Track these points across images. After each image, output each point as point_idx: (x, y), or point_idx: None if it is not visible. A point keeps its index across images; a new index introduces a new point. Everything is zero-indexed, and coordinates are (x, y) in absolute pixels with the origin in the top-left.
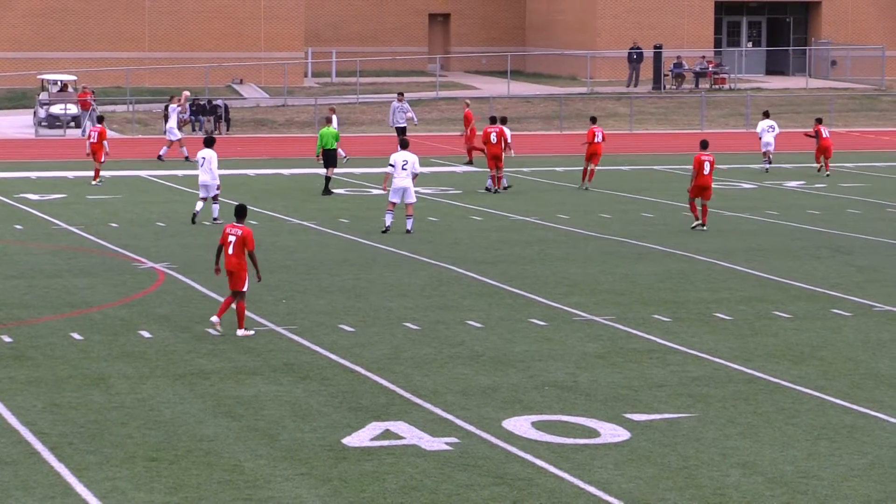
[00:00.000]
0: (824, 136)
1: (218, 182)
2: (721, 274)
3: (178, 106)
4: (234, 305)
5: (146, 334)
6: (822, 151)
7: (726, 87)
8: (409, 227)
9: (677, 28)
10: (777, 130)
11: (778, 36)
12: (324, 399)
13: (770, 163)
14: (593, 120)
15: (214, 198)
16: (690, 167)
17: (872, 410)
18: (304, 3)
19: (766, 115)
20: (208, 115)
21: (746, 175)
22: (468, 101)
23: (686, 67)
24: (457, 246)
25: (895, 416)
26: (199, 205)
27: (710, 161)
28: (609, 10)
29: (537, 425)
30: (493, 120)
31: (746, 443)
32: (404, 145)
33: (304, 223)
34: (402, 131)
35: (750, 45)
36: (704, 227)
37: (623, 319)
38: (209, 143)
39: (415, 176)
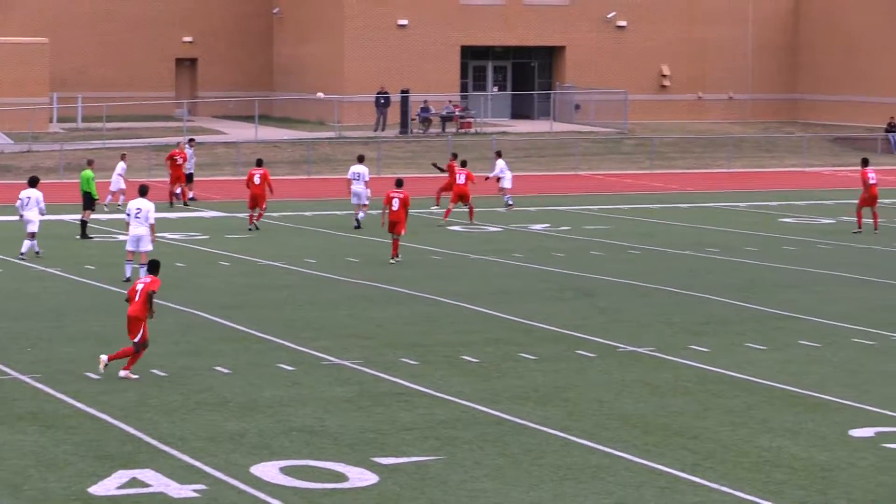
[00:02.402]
0: (459, 181)
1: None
2: (467, 317)
3: None
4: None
5: None
6: (462, 199)
7: (472, 130)
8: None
9: (424, 73)
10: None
11: (523, 80)
12: (69, 447)
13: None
14: (463, 163)
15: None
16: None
17: (617, 450)
18: (50, 48)
19: (499, 154)
20: None
21: (492, 218)
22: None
23: (433, 112)
24: (204, 291)
25: (639, 456)
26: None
27: (399, 198)
28: (356, 54)
29: (285, 470)
30: (258, 162)
31: (493, 484)
32: (143, 192)
33: (50, 270)
34: (189, 177)
35: (496, 89)
36: (399, 259)
37: (371, 363)
38: (34, 182)
39: (151, 226)
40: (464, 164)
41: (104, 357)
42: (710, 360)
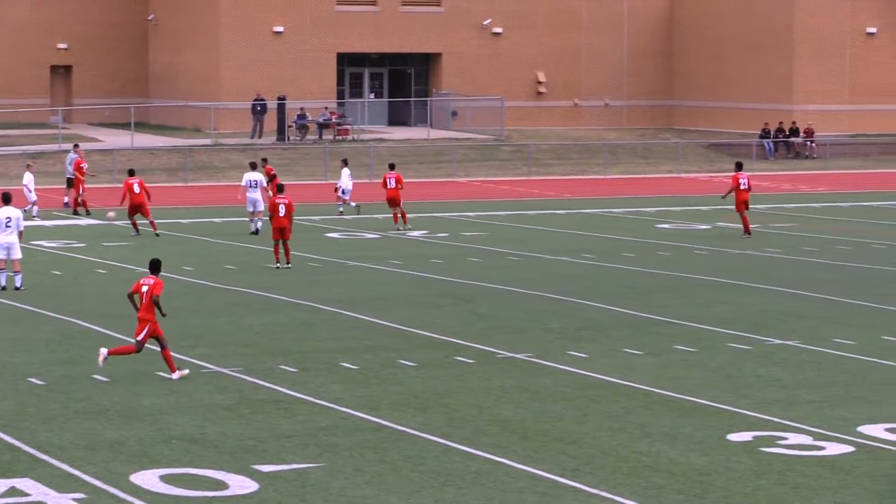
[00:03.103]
0: (390, 186)
1: None
2: (346, 323)
3: None
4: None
5: None
6: (391, 203)
7: (350, 137)
8: (18, 284)
9: (300, 79)
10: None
11: (400, 87)
12: None
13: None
14: (391, 166)
15: None
16: (319, 217)
17: (497, 456)
18: None
19: (346, 162)
20: None
21: (371, 225)
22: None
23: (310, 119)
24: (82, 299)
25: (519, 462)
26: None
27: (284, 203)
28: (232, 61)
29: (165, 478)
30: (131, 172)
31: (374, 491)
32: (7, 200)
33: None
34: (71, 182)
35: (372, 96)
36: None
37: (250, 370)
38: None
39: (20, 232)
40: (392, 166)
41: (104, 350)
42: (588, 366)
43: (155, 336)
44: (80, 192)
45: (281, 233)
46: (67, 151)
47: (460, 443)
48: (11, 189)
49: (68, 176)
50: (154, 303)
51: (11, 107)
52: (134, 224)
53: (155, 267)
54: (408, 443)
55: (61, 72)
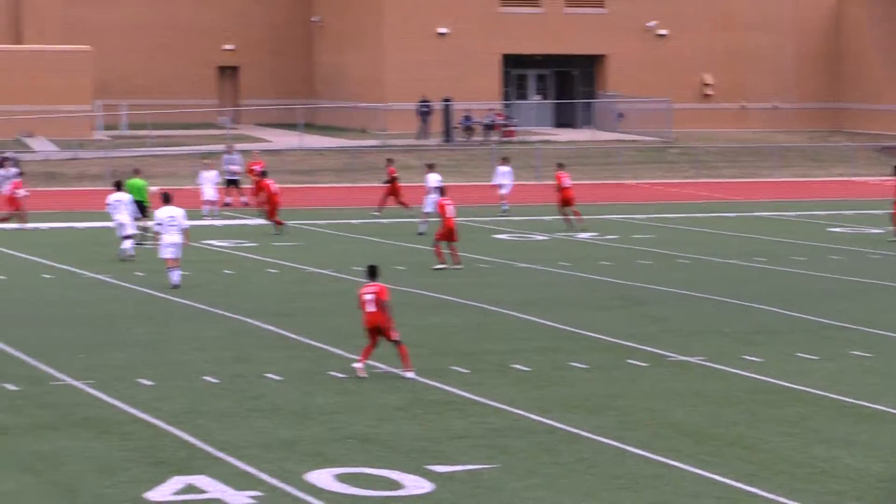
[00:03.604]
0: (565, 185)
1: None
2: (516, 325)
3: None
4: (397, 351)
5: None
6: (565, 202)
7: (515, 139)
8: (176, 282)
9: (466, 81)
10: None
11: (565, 89)
12: (124, 453)
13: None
14: (560, 165)
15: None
16: (484, 218)
17: (671, 459)
18: (93, 55)
19: (505, 161)
20: None
21: (539, 226)
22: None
23: (475, 120)
24: (253, 298)
25: (694, 465)
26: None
27: (452, 205)
28: (397, 63)
29: (340, 478)
30: (264, 174)
31: (547, 493)
32: (167, 200)
33: (100, 277)
34: (232, 183)
35: (538, 97)
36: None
37: (422, 371)
38: (119, 185)
39: (185, 231)
40: (561, 165)
41: (359, 364)
42: (761, 370)
43: (384, 335)
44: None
45: (450, 234)
46: (240, 152)
47: (634, 446)
48: (188, 190)
49: (228, 177)
50: (384, 306)
51: (179, 107)
52: (277, 222)
53: (373, 273)
54: (581, 445)
55: (228, 73)
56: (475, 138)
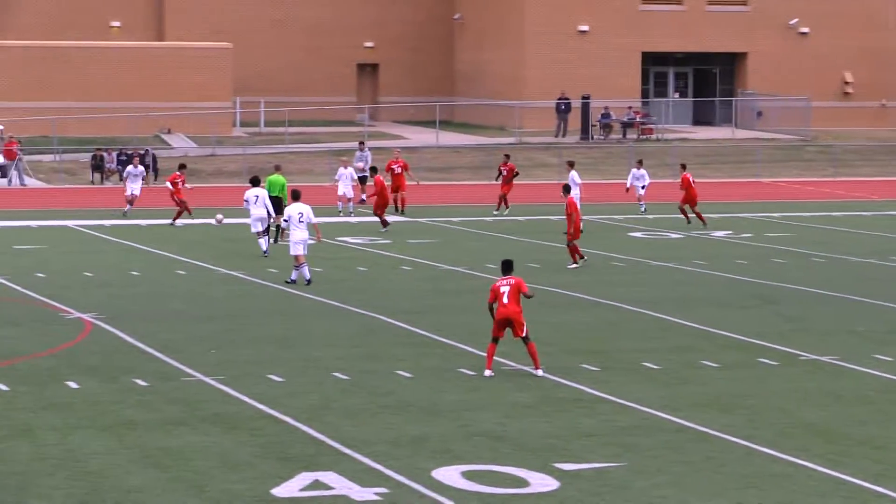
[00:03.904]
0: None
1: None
2: (649, 323)
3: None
4: (526, 349)
5: (73, 385)
6: (689, 201)
7: (653, 137)
8: (306, 277)
9: (605, 79)
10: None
11: (704, 86)
12: (253, 449)
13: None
14: (684, 167)
15: (267, 230)
16: (623, 217)
17: (800, 459)
18: (233, 52)
19: (640, 163)
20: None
21: (673, 225)
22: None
23: (613, 118)
24: (386, 295)
25: (823, 465)
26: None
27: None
28: (537, 60)
29: (467, 475)
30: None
31: (674, 491)
32: (297, 197)
33: (233, 273)
34: (362, 180)
35: (677, 95)
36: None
37: (552, 369)
38: (256, 181)
39: (314, 227)
40: (684, 167)
41: (488, 372)
42: (894, 370)
43: (513, 330)
44: (398, 193)
45: (578, 233)
46: (375, 149)
47: (763, 445)
48: (325, 187)
49: (360, 175)
50: (526, 297)
51: (319, 104)
52: (383, 221)
53: (509, 267)
54: (709, 444)
55: (368, 70)
56: (613, 136)
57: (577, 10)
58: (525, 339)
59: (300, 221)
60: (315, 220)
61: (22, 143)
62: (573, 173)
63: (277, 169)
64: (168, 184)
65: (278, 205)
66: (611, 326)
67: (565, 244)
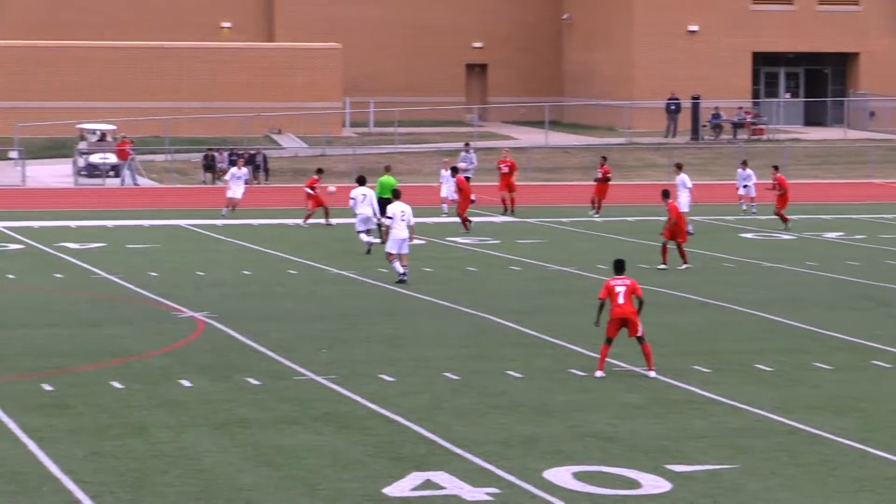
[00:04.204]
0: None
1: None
2: (760, 324)
3: None
4: (641, 349)
5: (186, 383)
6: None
7: (764, 137)
8: (404, 276)
9: (715, 79)
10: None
11: (816, 87)
12: (364, 448)
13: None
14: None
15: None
16: (733, 218)
17: None
18: (343, 53)
19: (745, 164)
20: (247, 165)
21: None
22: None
23: (724, 118)
24: (496, 296)
25: None
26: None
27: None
28: (646, 60)
29: (578, 476)
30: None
31: (788, 494)
32: (397, 195)
33: (344, 272)
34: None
35: (788, 95)
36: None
37: (663, 370)
38: (362, 181)
39: (411, 227)
40: (777, 168)
41: (600, 373)
42: None
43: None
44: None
45: (676, 235)
46: (482, 150)
47: (877, 448)
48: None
49: (464, 175)
50: (639, 300)
51: (428, 104)
52: (465, 221)
53: (621, 267)
54: (822, 447)
55: (477, 70)
56: (723, 136)
57: (687, 9)
58: (640, 340)
59: (401, 220)
60: (413, 221)
61: (134, 143)
62: (683, 176)
63: (387, 170)
64: (307, 189)
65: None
66: (721, 327)
67: (667, 245)
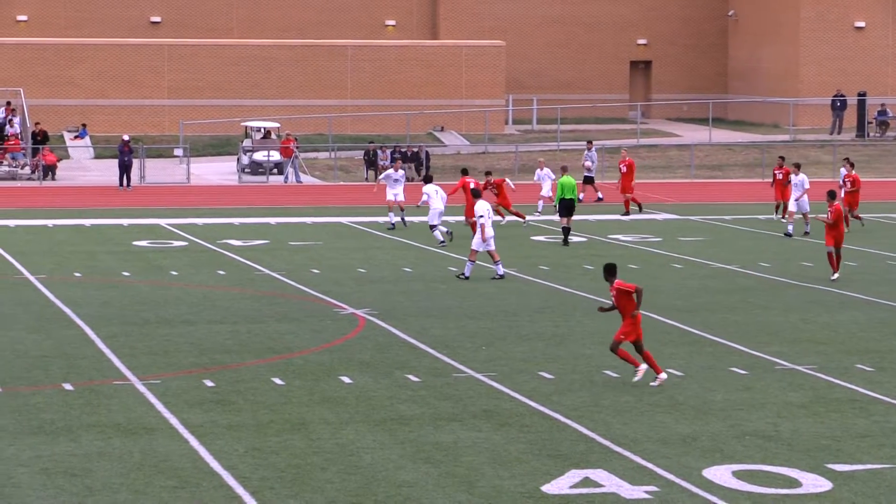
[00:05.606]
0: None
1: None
2: None
3: None
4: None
5: (347, 380)
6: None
7: None
8: (500, 273)
9: (882, 75)
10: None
11: None
12: (523, 446)
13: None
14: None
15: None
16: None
17: None
18: (506, 50)
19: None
20: (410, 162)
21: None
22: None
23: (890, 115)
24: (656, 293)
25: None
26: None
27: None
28: (812, 57)
29: (738, 474)
30: (463, 171)
31: None
32: (476, 195)
33: (506, 270)
34: (589, 180)
35: None
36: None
37: (825, 369)
38: (429, 179)
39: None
40: (852, 164)
41: (660, 378)
42: None
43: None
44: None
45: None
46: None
47: None
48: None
49: (584, 174)
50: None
51: (591, 101)
52: (517, 214)
53: (613, 271)
54: None
55: (641, 67)
56: (889, 133)
57: (853, 5)
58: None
59: (489, 219)
60: (493, 218)
61: (298, 141)
62: (802, 176)
63: (564, 170)
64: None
65: (571, 208)
66: (885, 326)
67: (832, 252)
